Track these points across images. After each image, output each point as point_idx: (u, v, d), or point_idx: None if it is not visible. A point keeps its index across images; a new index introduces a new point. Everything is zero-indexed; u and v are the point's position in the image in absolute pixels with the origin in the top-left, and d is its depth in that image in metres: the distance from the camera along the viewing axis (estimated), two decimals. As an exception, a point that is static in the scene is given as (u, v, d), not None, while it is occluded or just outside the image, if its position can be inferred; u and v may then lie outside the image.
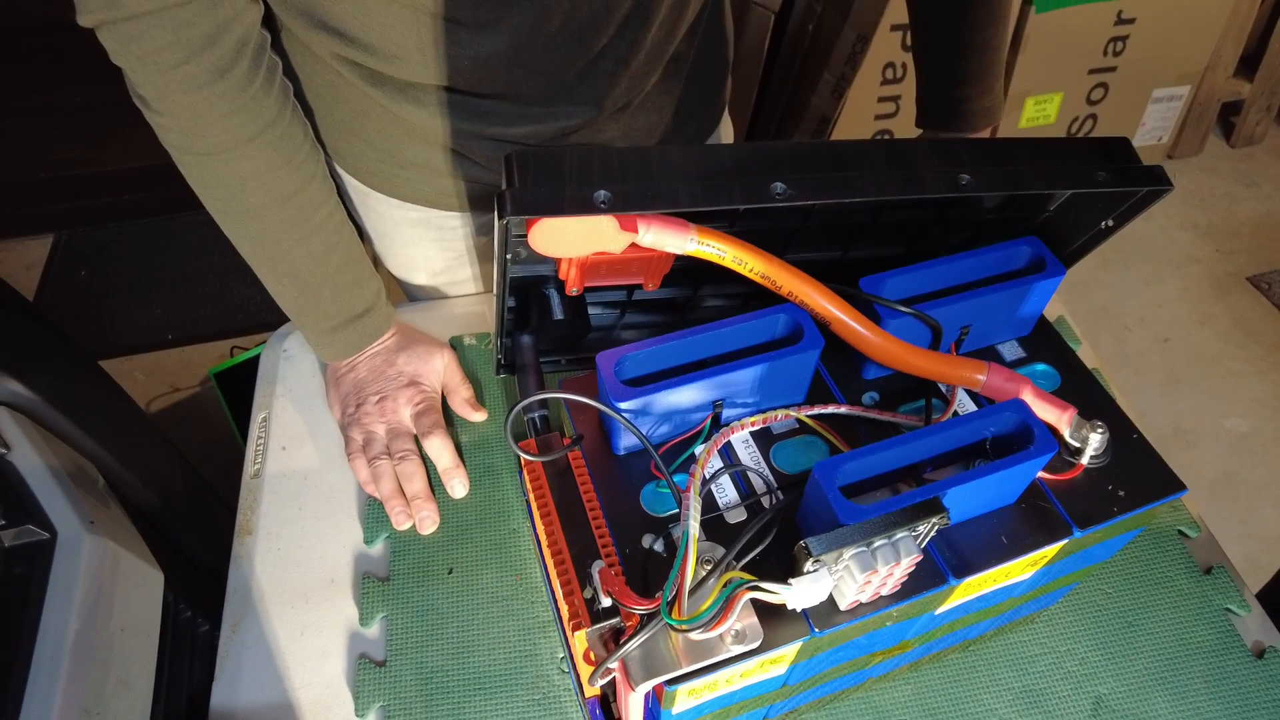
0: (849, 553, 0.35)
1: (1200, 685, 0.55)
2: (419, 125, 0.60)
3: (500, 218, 0.35)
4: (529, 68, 0.55)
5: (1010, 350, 0.50)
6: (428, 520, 0.60)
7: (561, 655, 0.55)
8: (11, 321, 0.75)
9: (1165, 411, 1.64)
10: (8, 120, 1.79)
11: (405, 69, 0.54)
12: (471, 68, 0.54)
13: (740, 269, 0.42)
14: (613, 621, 0.37)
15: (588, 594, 0.38)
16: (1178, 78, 1.86)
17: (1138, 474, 0.44)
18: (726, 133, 0.82)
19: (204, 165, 0.54)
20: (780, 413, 0.45)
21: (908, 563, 0.36)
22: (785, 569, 0.36)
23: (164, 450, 0.88)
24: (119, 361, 1.68)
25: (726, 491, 0.43)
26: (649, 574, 0.40)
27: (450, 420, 0.67)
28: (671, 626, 0.35)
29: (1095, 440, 0.43)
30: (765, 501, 0.42)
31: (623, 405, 0.40)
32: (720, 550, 0.38)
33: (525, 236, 0.38)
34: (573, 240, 0.39)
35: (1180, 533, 0.62)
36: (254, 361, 0.83)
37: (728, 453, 0.45)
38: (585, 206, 0.35)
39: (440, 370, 0.66)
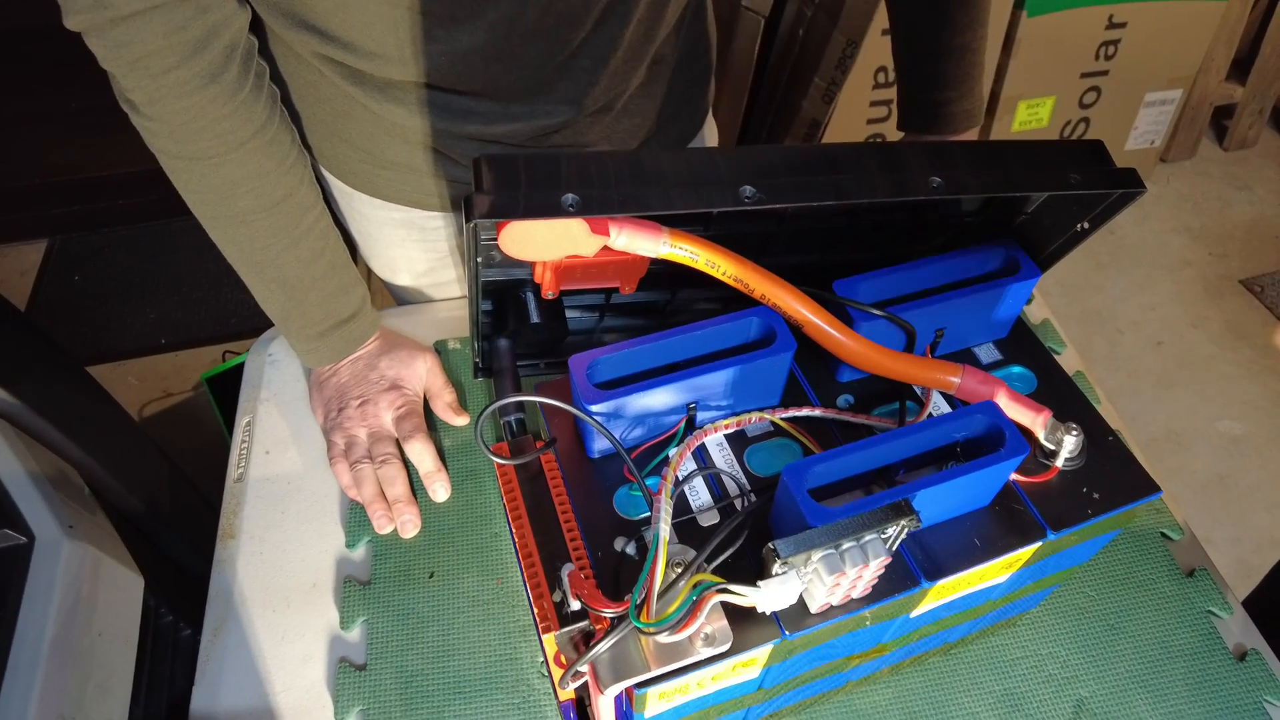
0: (817, 555, 0.35)
1: (1181, 688, 0.55)
2: (400, 124, 0.60)
3: (467, 221, 0.35)
4: (507, 63, 0.55)
5: (987, 353, 0.50)
6: (409, 524, 0.60)
7: (541, 659, 0.55)
8: (-4, 327, 0.75)
9: (1158, 414, 1.64)
10: (1, 126, 1.79)
11: (384, 66, 0.55)
12: (449, 64, 0.54)
13: (713, 272, 0.42)
14: (583, 624, 0.37)
15: (557, 597, 0.38)
16: (1170, 81, 1.87)
17: (1113, 476, 0.44)
18: (711, 136, 0.82)
19: (194, 170, 0.54)
20: (754, 415, 0.45)
21: (876, 565, 0.36)
22: (757, 572, 0.36)
23: (151, 455, 0.88)
24: (112, 366, 1.68)
25: (700, 494, 0.43)
26: (621, 577, 0.40)
27: (433, 424, 0.67)
28: (639, 629, 0.35)
29: (1070, 443, 0.43)
30: (738, 504, 0.42)
31: (594, 408, 0.40)
32: (692, 553, 0.38)
33: (496, 240, 0.38)
34: (543, 244, 0.39)
35: (1163, 535, 0.62)
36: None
37: (702, 455, 0.45)
38: (553, 210, 0.35)
39: (422, 374, 0.66)
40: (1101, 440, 0.46)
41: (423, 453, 0.62)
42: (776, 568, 0.35)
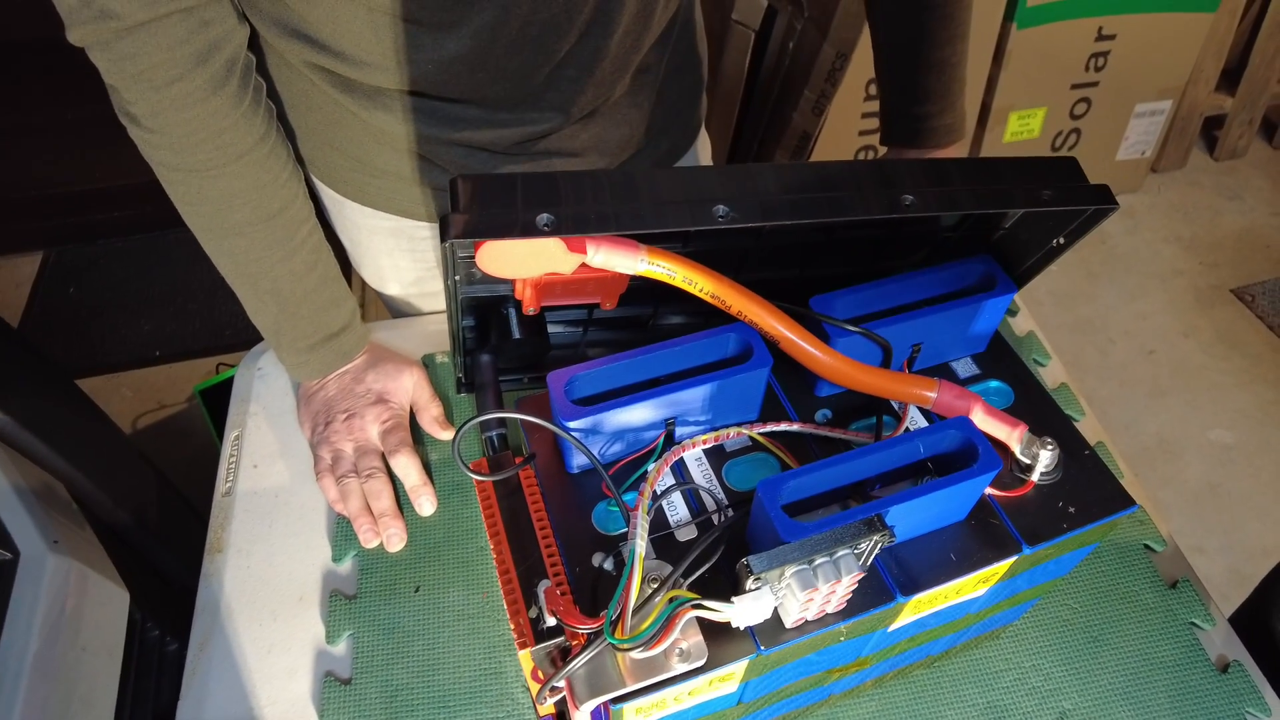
0: (790, 570, 0.35)
1: (1164, 700, 0.55)
2: (388, 132, 0.61)
3: (443, 240, 0.35)
4: (492, 71, 0.56)
5: (964, 367, 0.51)
6: (395, 538, 0.60)
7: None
8: (-16, 342, 0.75)
9: (1149, 423, 1.64)
10: (-3, 138, 1.80)
11: (372, 74, 0.55)
12: (435, 71, 0.55)
13: (691, 289, 0.42)
14: (559, 640, 0.37)
15: (533, 613, 0.38)
16: (1159, 92, 1.88)
17: (1089, 490, 0.45)
18: (704, 150, 0.83)
19: (191, 182, 0.55)
20: (732, 430, 0.45)
21: (850, 580, 0.36)
22: (733, 587, 0.37)
23: (139, 469, 0.89)
24: (107, 378, 1.68)
25: (678, 509, 0.43)
26: (599, 592, 0.40)
27: (419, 438, 0.67)
28: (614, 645, 0.35)
29: (1045, 457, 0.44)
30: (716, 519, 0.43)
31: (572, 424, 0.41)
32: (668, 568, 0.38)
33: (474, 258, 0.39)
34: (521, 262, 0.40)
35: (1146, 547, 0.62)
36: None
37: (680, 471, 0.45)
38: (528, 229, 0.36)
39: (409, 388, 0.67)
40: (1079, 454, 0.46)
41: (408, 466, 0.62)
42: (750, 583, 0.35)
